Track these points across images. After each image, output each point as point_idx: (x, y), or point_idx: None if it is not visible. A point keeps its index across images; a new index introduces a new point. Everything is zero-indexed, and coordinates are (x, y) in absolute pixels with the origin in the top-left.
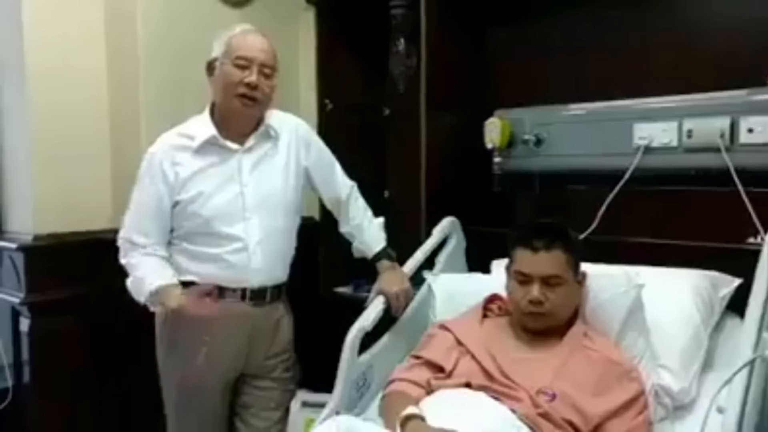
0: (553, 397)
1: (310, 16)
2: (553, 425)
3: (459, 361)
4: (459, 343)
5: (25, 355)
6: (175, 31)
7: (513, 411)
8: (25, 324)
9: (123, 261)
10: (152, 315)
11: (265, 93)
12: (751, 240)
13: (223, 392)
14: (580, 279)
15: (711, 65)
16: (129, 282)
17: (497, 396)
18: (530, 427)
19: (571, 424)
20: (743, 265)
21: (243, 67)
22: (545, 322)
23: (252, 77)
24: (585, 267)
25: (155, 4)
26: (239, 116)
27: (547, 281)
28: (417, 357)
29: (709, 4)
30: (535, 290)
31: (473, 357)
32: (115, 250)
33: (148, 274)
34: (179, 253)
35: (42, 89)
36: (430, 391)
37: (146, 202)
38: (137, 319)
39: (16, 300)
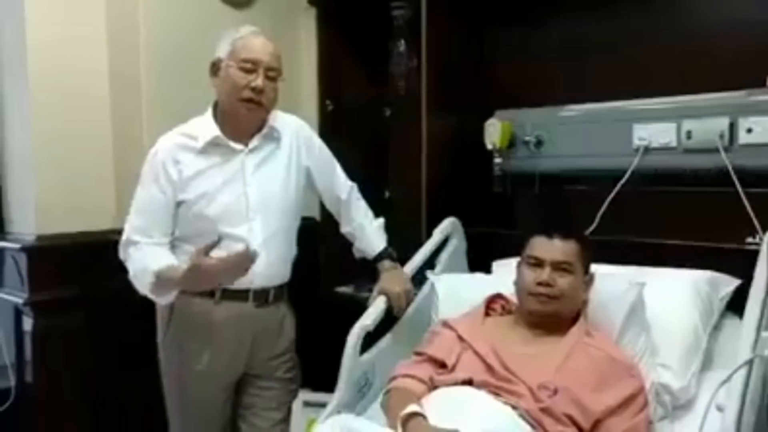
0: (555, 391)
1: (311, 17)
2: (554, 420)
3: (461, 356)
4: (461, 339)
5: (27, 354)
6: (177, 31)
7: (514, 408)
8: (28, 324)
9: (122, 256)
10: (155, 315)
11: (270, 96)
12: (750, 240)
13: (226, 393)
14: (588, 280)
15: (710, 66)
16: (131, 274)
17: (498, 392)
18: (532, 425)
19: (571, 419)
20: (742, 265)
21: (249, 71)
22: (550, 307)
23: (258, 81)
24: None
25: (157, 5)
26: (244, 118)
27: (558, 266)
28: (419, 353)
29: (708, 6)
30: (545, 273)
31: (475, 352)
32: (117, 250)
33: (148, 259)
34: (182, 255)
35: (44, 89)
36: (432, 387)
37: (148, 203)
38: (140, 319)
39: (19, 300)
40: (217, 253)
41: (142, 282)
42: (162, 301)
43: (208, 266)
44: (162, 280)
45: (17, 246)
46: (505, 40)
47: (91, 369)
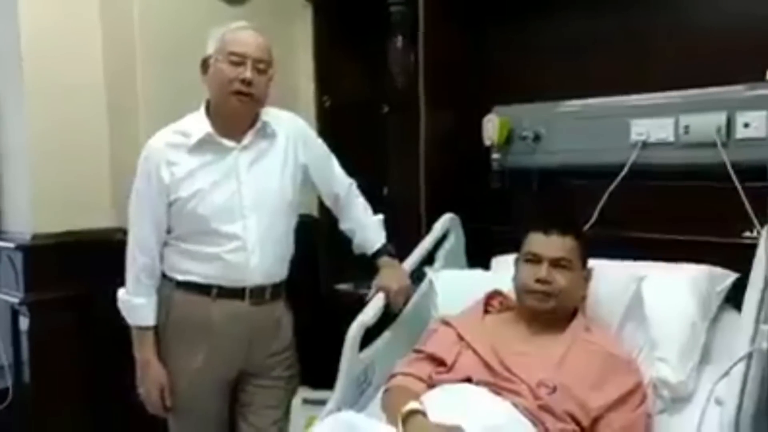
0: (554, 389)
1: (307, 13)
2: (554, 418)
3: (460, 354)
4: (460, 337)
5: (24, 354)
6: (172, 27)
7: (515, 406)
8: (24, 323)
9: (126, 267)
10: None
11: (260, 89)
12: (748, 234)
13: (224, 391)
14: (587, 275)
15: (707, 61)
16: (120, 295)
17: (498, 390)
18: (533, 422)
19: (571, 416)
20: (740, 259)
21: (237, 64)
22: (549, 304)
23: (246, 73)
24: None
25: (153, 6)
26: (235, 113)
27: (556, 263)
28: (419, 351)
29: (705, 1)
30: (543, 270)
31: (474, 351)
32: (114, 248)
33: (136, 308)
34: (177, 253)
35: (39, 89)
36: (431, 385)
37: (143, 214)
38: None
39: (16, 300)
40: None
41: (123, 309)
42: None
43: (147, 389)
44: (132, 331)
45: (13, 245)
46: (502, 36)
47: (89, 368)
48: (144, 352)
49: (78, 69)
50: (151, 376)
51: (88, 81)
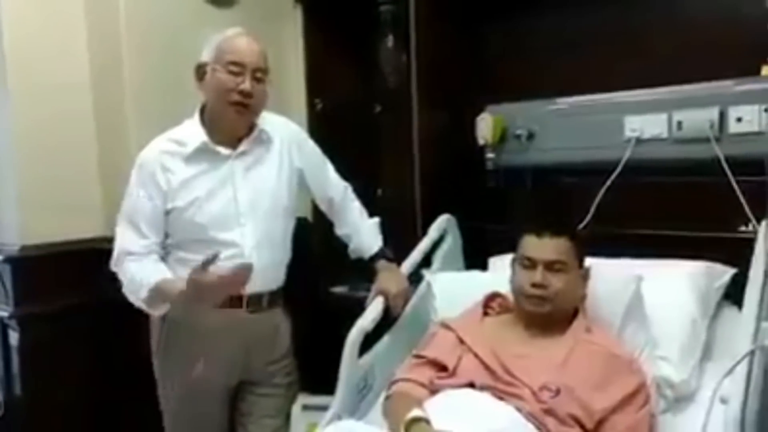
0: (557, 392)
1: (297, 14)
2: (557, 421)
3: (461, 359)
4: (461, 341)
5: (15, 368)
6: (159, 25)
7: (518, 410)
8: (14, 338)
9: (115, 268)
10: (147, 324)
11: (259, 99)
12: (743, 228)
13: (223, 400)
14: (584, 273)
15: (699, 56)
16: (125, 285)
17: (500, 394)
18: (536, 426)
19: (575, 418)
20: (736, 254)
21: (236, 74)
22: (546, 308)
23: (246, 84)
24: None
25: (139, 5)
26: (232, 124)
27: (551, 266)
28: (419, 356)
29: None
30: (538, 274)
31: (475, 355)
32: (106, 258)
33: (144, 272)
34: (174, 261)
35: (23, 88)
36: (433, 390)
37: (139, 209)
38: (130, 328)
39: (5, 313)
40: (212, 267)
41: (136, 295)
42: (155, 312)
43: (207, 283)
44: (158, 294)
45: (1, 257)
46: (494, 34)
47: (81, 381)
48: (174, 296)
49: (63, 67)
50: (191, 290)
51: (73, 79)
